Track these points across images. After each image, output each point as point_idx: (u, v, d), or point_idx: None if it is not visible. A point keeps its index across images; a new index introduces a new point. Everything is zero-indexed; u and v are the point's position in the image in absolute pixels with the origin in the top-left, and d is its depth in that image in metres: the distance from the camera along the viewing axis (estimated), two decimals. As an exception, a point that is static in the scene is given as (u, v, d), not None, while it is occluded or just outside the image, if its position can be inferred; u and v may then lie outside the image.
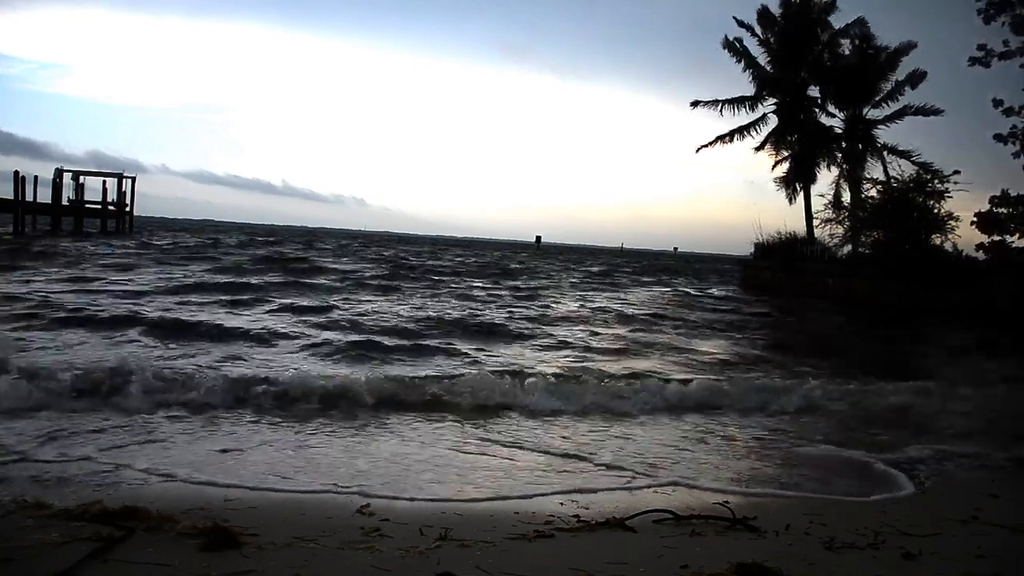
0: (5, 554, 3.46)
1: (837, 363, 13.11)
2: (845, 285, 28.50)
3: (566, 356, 12.52)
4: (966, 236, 28.20)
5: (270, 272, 27.07)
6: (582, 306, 21.85)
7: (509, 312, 18.89)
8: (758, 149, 35.17)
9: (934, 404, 9.34)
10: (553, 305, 21.84)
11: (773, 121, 34.71)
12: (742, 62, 34.02)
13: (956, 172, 28.56)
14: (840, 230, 31.23)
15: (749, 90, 34.83)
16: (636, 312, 20.87)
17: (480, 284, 28.74)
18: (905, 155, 31.09)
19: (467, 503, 5.03)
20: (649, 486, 5.68)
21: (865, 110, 32.86)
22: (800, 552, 4.13)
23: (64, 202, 48.37)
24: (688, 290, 34.30)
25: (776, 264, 32.27)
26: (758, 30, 33.83)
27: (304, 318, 15.10)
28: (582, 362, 11.86)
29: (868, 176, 31.87)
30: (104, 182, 52.14)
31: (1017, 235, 26.84)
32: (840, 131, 33.61)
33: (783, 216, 64.21)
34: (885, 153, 32.00)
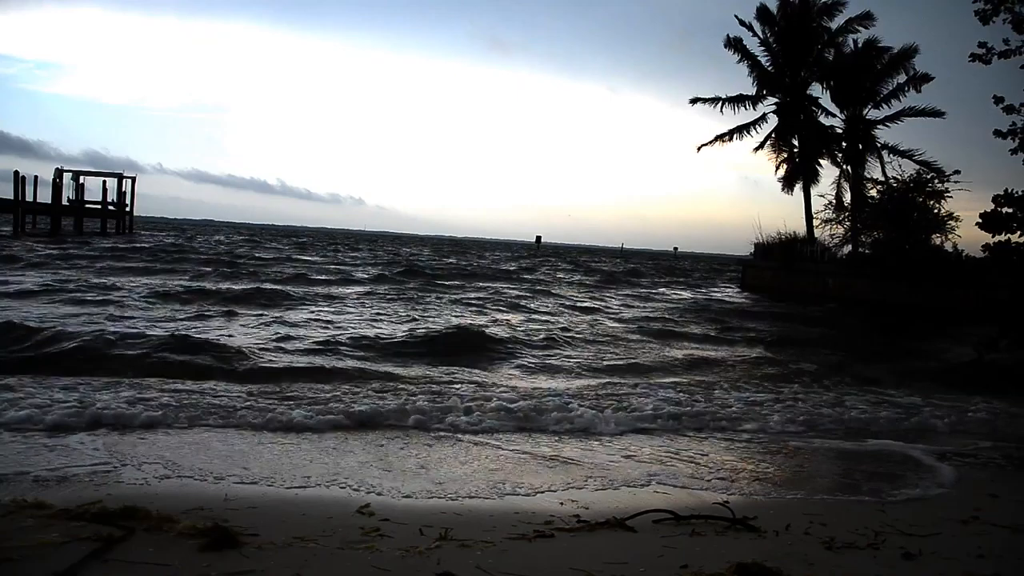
0: (5, 554, 3.46)
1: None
2: (845, 285, 28.49)
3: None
4: (967, 236, 28.22)
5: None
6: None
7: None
8: (757, 149, 35.18)
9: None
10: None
11: (773, 120, 34.73)
12: (744, 61, 34.00)
13: (956, 172, 28.55)
14: (840, 230, 31.25)
15: (749, 89, 34.83)
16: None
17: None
18: (906, 155, 31.08)
19: (467, 503, 5.04)
20: (649, 484, 5.69)
21: (865, 110, 32.84)
22: (800, 552, 4.13)
23: (64, 202, 48.38)
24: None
25: (776, 264, 32.26)
26: (758, 29, 33.82)
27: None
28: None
29: (868, 176, 31.89)
30: (104, 182, 52.23)
31: (1019, 233, 26.78)
32: (840, 131, 33.59)
33: (783, 216, 64.50)
34: (885, 153, 32.00)
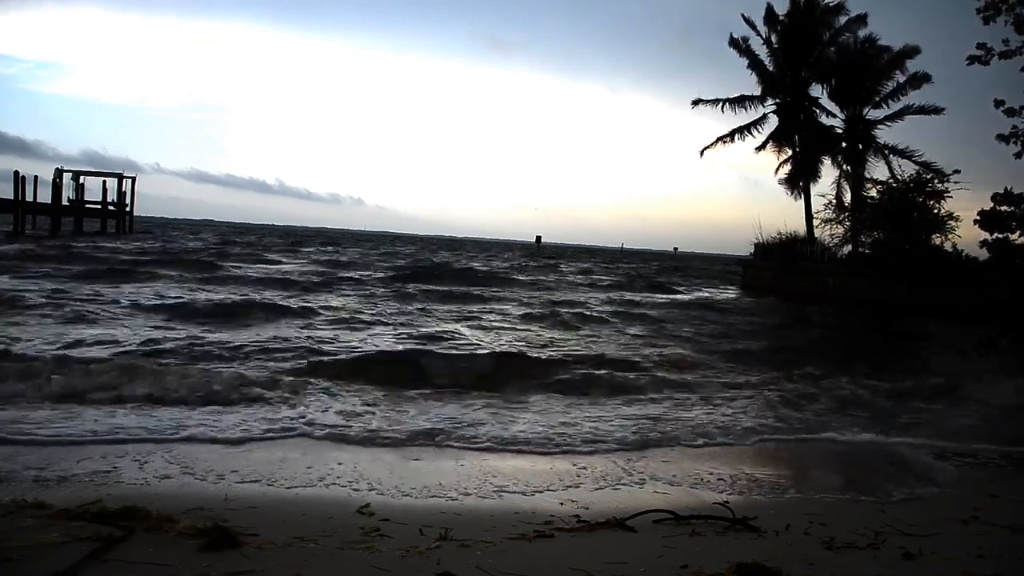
0: (5, 554, 3.45)
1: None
2: (845, 285, 28.49)
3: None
4: (967, 236, 28.22)
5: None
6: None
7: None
8: (759, 149, 35.16)
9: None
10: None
11: (774, 120, 34.74)
12: (747, 61, 34.00)
13: (956, 172, 28.55)
14: (840, 230, 31.24)
15: (750, 89, 34.83)
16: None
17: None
18: (906, 155, 31.09)
19: (467, 503, 5.03)
20: (647, 481, 5.69)
21: (866, 110, 32.85)
22: (800, 552, 4.13)
23: (64, 202, 48.36)
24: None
25: (776, 264, 32.25)
26: (761, 29, 33.85)
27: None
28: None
29: (868, 176, 31.89)
30: (104, 182, 52.20)
31: (1018, 233, 26.79)
32: (840, 131, 33.59)
33: (783, 216, 64.44)
34: (885, 153, 31.99)
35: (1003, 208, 26.88)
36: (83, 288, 17.90)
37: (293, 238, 79.87)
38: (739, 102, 34.56)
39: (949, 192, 27.90)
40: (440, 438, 6.86)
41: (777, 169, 34.88)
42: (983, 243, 27.01)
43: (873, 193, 30.31)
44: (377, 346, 12.04)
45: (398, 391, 8.80)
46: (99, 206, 52.46)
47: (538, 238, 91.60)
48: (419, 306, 19.31)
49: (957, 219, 27.50)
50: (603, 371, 10.77)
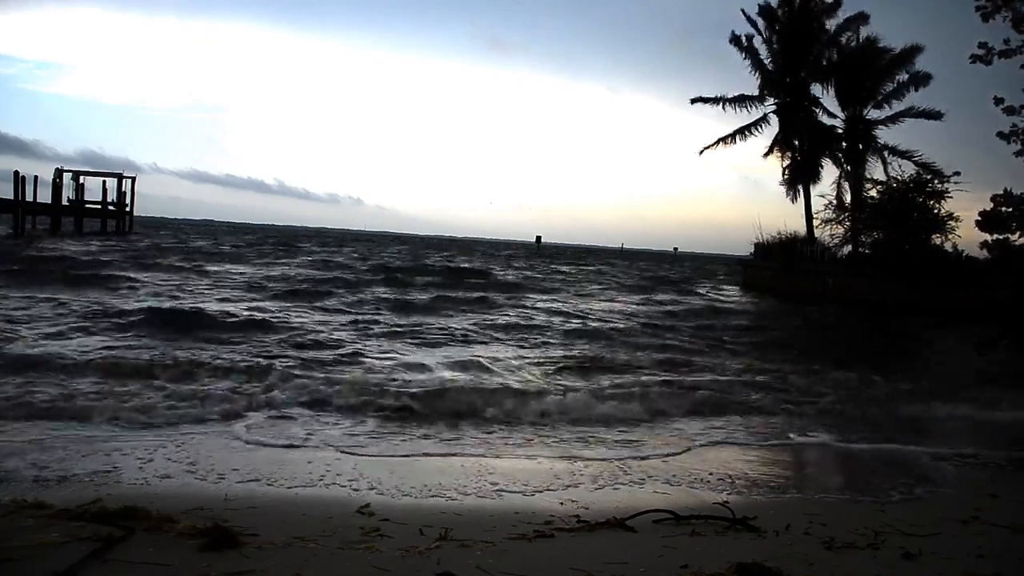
0: (5, 554, 3.45)
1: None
2: (845, 285, 28.49)
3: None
4: (967, 236, 28.21)
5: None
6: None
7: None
8: (767, 155, 35.04)
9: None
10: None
11: (774, 121, 34.72)
12: (748, 59, 34.00)
13: (956, 173, 28.55)
14: (840, 230, 31.25)
15: (749, 89, 34.84)
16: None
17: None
18: (906, 155, 31.08)
19: (467, 503, 5.03)
20: (647, 481, 5.69)
21: (866, 110, 32.85)
22: (800, 552, 4.12)
23: (64, 202, 48.35)
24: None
25: (776, 264, 32.25)
26: (761, 26, 33.82)
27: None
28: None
29: (869, 176, 31.89)
30: (104, 182, 52.19)
31: (1018, 234, 26.81)
32: (840, 131, 33.59)
33: (783, 216, 64.41)
34: (885, 153, 32.00)
35: (1003, 209, 26.94)
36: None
37: (282, 239, 74.00)
38: (739, 101, 34.56)
39: (949, 192, 27.95)
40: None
41: (784, 172, 34.74)
42: (983, 244, 27.09)
43: (873, 193, 30.36)
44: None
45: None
46: (99, 206, 52.46)
47: (538, 238, 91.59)
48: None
49: (957, 219, 27.55)
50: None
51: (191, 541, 3.77)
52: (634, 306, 23.74)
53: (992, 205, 27.20)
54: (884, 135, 32.49)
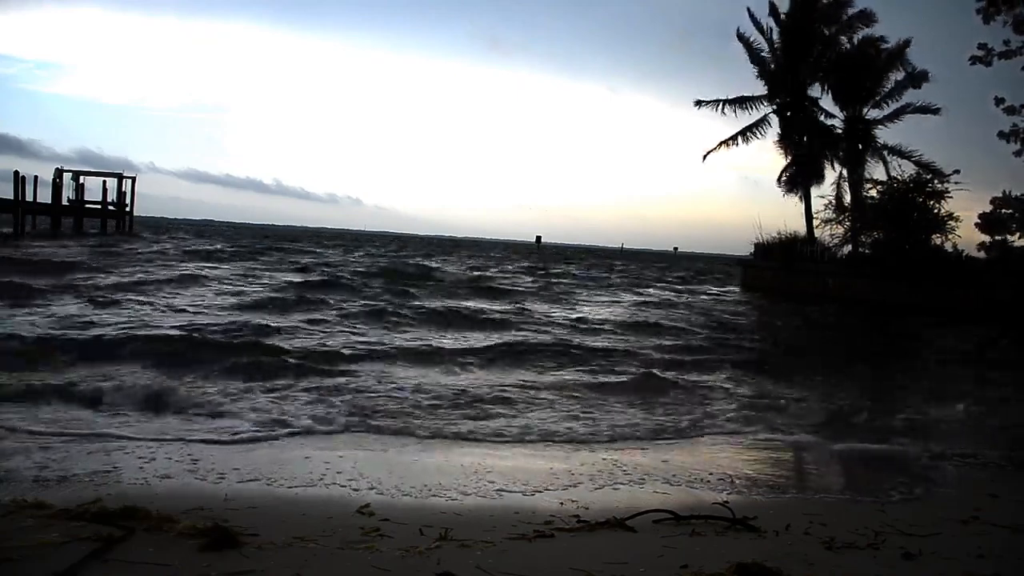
0: (5, 554, 3.45)
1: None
2: (845, 285, 28.50)
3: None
4: (966, 236, 28.23)
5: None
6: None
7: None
8: (782, 156, 34.89)
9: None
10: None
11: (774, 122, 34.72)
12: (751, 58, 33.99)
13: (956, 172, 28.58)
14: (840, 230, 31.26)
15: (750, 89, 34.88)
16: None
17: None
18: (905, 155, 31.10)
19: (467, 503, 5.03)
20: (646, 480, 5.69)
21: (865, 110, 32.86)
22: (800, 552, 4.12)
23: (64, 202, 48.34)
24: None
25: (776, 264, 32.26)
26: (765, 26, 33.84)
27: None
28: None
29: (868, 176, 31.90)
30: (104, 182, 52.18)
31: (1018, 235, 26.87)
32: (840, 131, 33.59)
33: (783, 216, 64.26)
34: (885, 153, 32.00)
35: (1003, 211, 27.00)
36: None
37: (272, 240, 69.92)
38: (739, 103, 34.57)
39: (949, 192, 27.97)
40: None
41: (782, 174, 34.68)
42: (981, 245, 27.15)
43: (873, 193, 30.38)
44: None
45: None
46: (99, 206, 52.45)
47: (538, 238, 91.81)
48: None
49: (957, 219, 27.60)
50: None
51: (191, 541, 3.76)
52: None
53: (992, 207, 27.34)
54: (884, 135, 32.57)
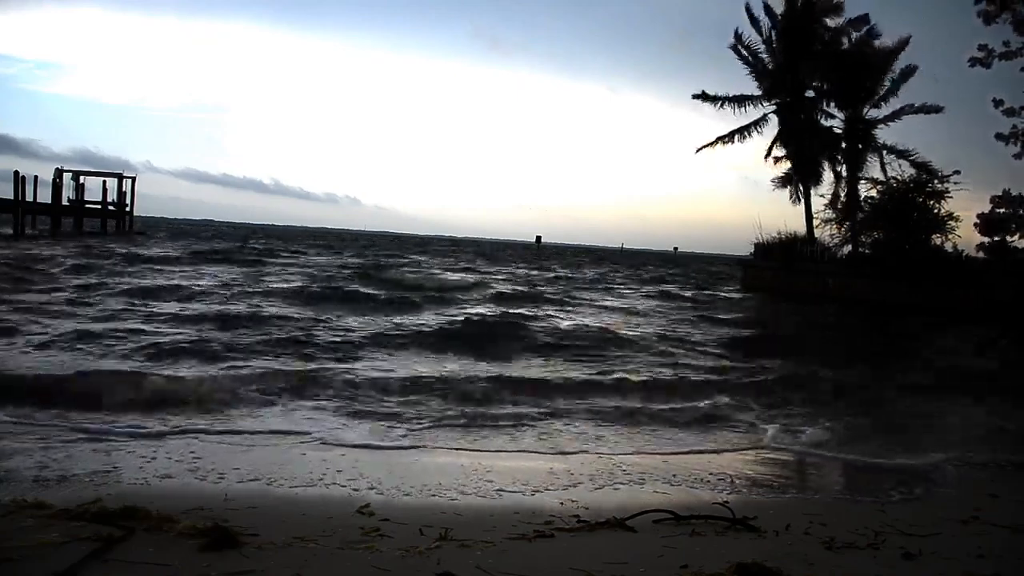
0: (5, 554, 3.45)
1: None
2: (845, 285, 28.50)
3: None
4: (966, 236, 28.22)
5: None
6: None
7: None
8: (767, 156, 34.98)
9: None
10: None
11: (774, 121, 34.70)
12: (748, 59, 33.96)
13: (956, 172, 28.57)
14: (840, 230, 31.25)
15: (750, 89, 34.82)
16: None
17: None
18: (905, 155, 31.09)
19: (467, 503, 5.03)
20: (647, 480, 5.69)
21: (865, 110, 32.85)
22: (800, 552, 4.12)
23: (64, 202, 48.35)
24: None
25: (776, 264, 32.25)
26: (764, 25, 33.81)
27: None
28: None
29: (868, 176, 31.90)
30: (104, 182, 52.21)
31: (1018, 235, 26.86)
32: (840, 131, 33.59)
33: (783, 216, 64.21)
34: (885, 153, 32.00)
35: (1001, 210, 26.99)
36: None
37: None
38: (739, 101, 34.53)
39: (949, 192, 27.97)
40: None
41: (775, 161, 34.60)
42: (980, 246, 27.15)
43: (873, 193, 30.39)
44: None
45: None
46: (99, 206, 52.46)
47: (538, 238, 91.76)
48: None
49: (957, 219, 27.59)
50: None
51: (191, 541, 3.76)
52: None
53: (991, 207, 27.32)
54: (883, 135, 32.53)
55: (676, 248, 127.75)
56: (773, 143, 34.65)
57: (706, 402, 9.06)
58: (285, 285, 21.80)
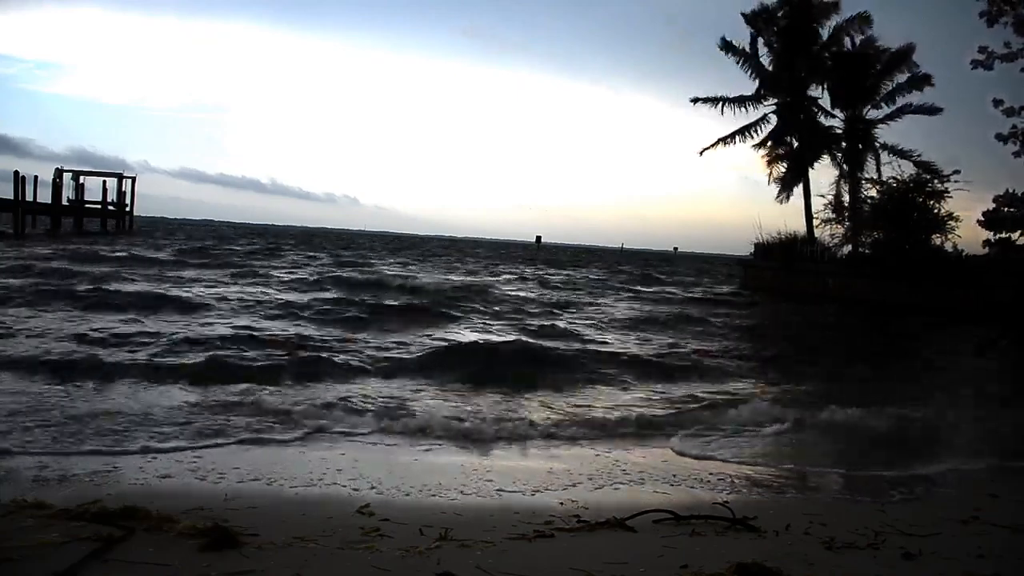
0: (5, 554, 3.45)
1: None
2: (845, 285, 28.50)
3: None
4: (967, 236, 28.20)
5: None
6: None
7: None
8: (758, 147, 35.03)
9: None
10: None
11: (774, 121, 34.68)
12: (741, 61, 33.96)
13: (956, 172, 28.56)
14: (840, 230, 31.26)
15: (749, 89, 34.80)
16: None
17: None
18: (905, 155, 31.08)
19: (467, 503, 5.03)
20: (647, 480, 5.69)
21: (865, 110, 32.86)
22: (800, 552, 4.12)
23: (64, 202, 48.36)
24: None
25: (776, 264, 32.26)
26: (763, 25, 33.77)
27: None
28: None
29: (868, 176, 31.91)
30: (104, 182, 52.23)
31: (1019, 233, 26.83)
32: (840, 131, 33.59)
33: (783, 216, 64.00)
34: (885, 153, 32.01)
35: (1006, 209, 26.96)
36: None
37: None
38: (739, 102, 34.52)
39: (949, 192, 27.96)
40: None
41: (769, 162, 34.55)
42: (986, 243, 27.10)
43: (873, 193, 30.39)
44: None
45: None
46: (99, 206, 52.47)
47: (538, 238, 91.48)
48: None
49: (957, 219, 27.55)
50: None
51: (191, 541, 3.76)
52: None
53: (994, 205, 27.28)
54: (883, 135, 32.53)
55: (676, 248, 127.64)
56: (773, 143, 34.67)
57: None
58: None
